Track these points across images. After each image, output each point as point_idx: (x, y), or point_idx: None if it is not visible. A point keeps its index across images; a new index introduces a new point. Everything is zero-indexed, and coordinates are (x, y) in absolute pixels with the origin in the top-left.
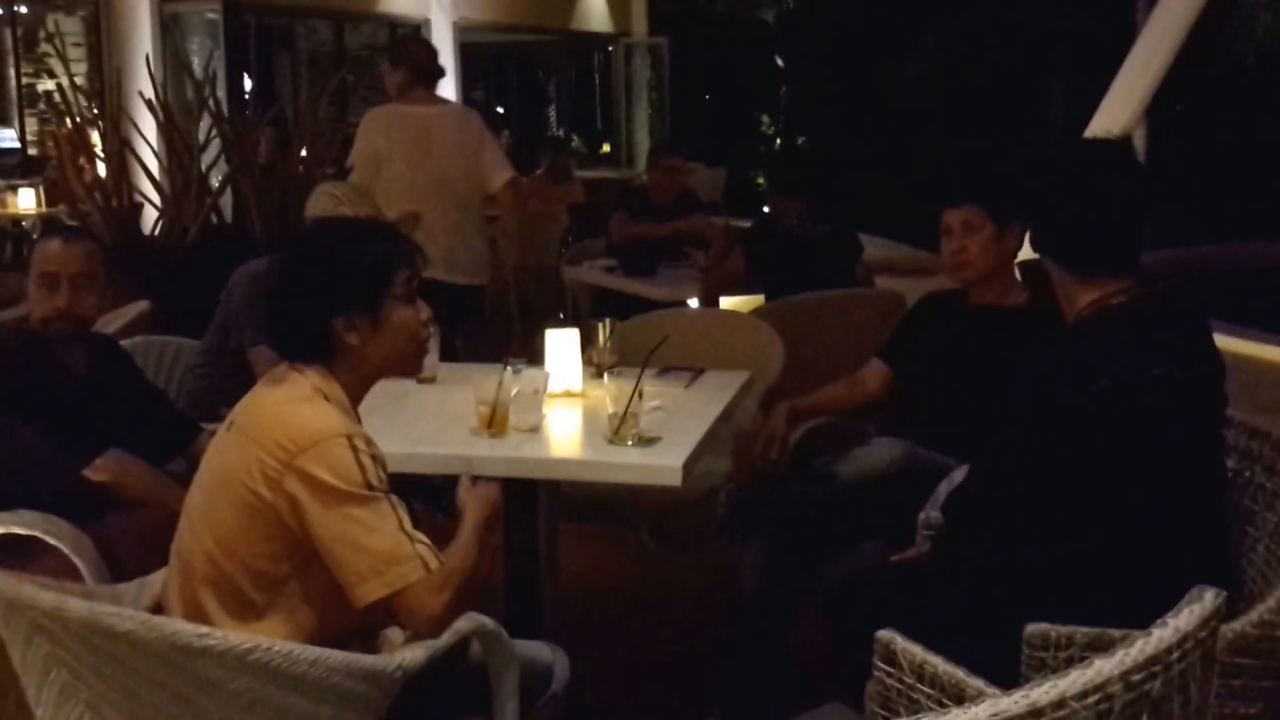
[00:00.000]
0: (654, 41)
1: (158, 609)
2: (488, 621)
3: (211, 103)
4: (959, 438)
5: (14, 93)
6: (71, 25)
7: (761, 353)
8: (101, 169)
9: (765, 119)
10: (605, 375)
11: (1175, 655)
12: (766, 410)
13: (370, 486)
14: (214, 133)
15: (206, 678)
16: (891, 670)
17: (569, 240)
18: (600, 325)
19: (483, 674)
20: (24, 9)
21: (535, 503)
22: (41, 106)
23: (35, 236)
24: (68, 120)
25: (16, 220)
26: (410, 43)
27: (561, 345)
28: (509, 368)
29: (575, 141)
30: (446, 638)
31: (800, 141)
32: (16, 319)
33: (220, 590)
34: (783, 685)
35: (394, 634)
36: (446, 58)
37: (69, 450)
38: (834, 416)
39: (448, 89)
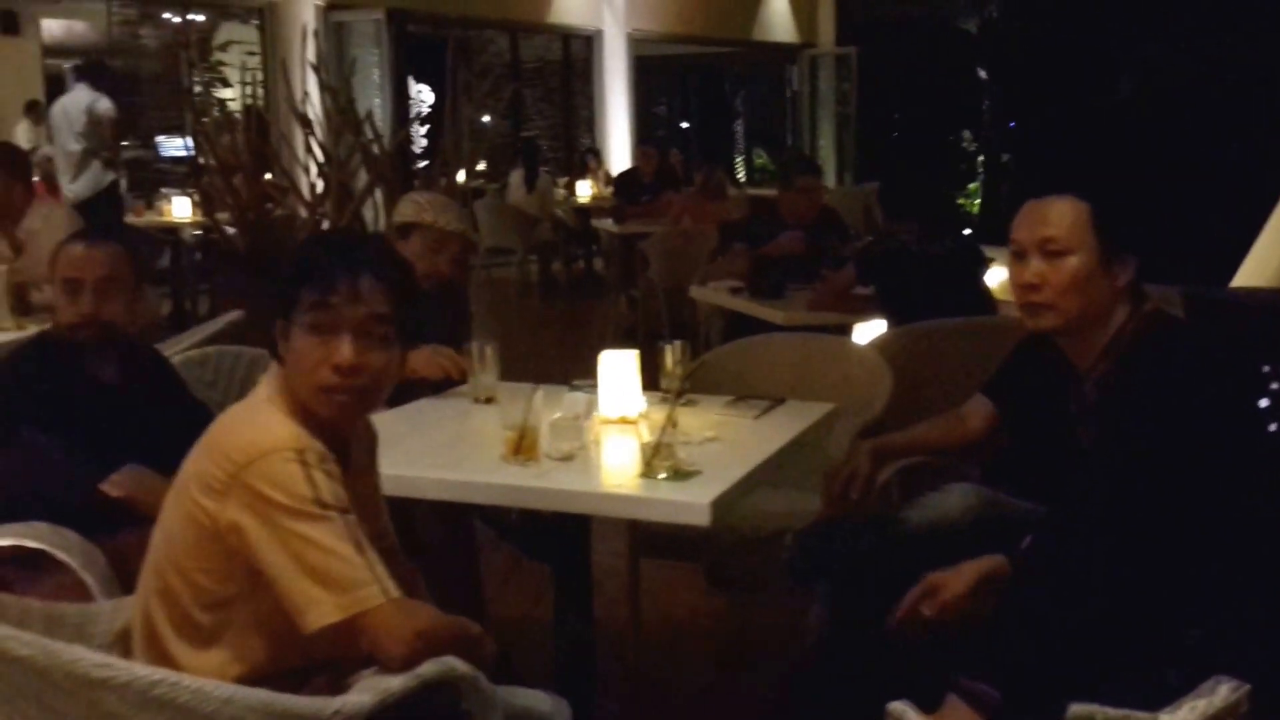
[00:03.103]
0: (841, 52)
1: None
2: (459, 664)
3: (357, 113)
4: (1055, 489)
5: (190, 101)
6: (245, 33)
7: (866, 383)
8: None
9: (967, 134)
10: (672, 402)
11: None
12: None
13: (322, 503)
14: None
15: (109, 711)
16: None
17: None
18: (669, 348)
19: None
20: (200, 18)
21: (586, 536)
22: (215, 114)
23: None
24: (228, 132)
25: (172, 228)
26: None
27: (618, 368)
28: (572, 390)
29: (762, 157)
30: (401, 681)
31: (1004, 159)
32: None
33: (169, 606)
34: None
35: (371, 675)
36: (619, 69)
37: (90, 462)
38: (930, 457)
39: (619, 100)
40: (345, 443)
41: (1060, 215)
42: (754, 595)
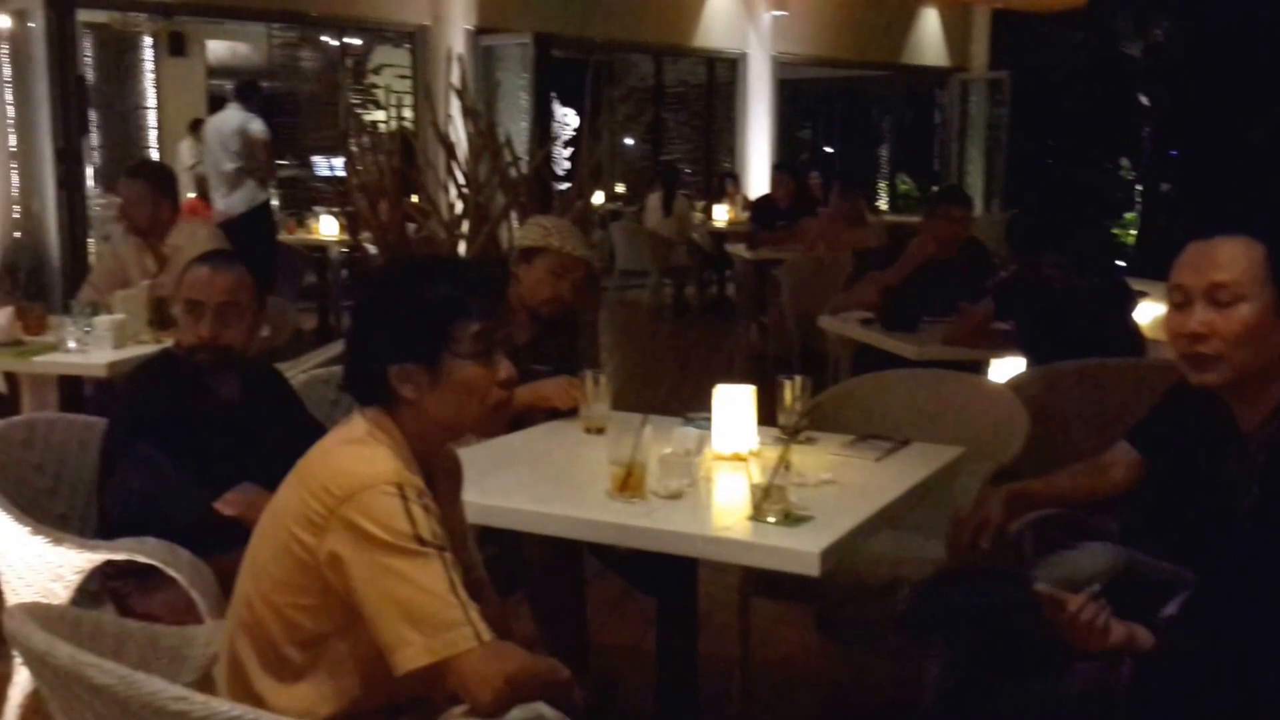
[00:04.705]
0: (994, 76)
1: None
2: (547, 711)
3: (497, 136)
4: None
5: (345, 123)
6: (398, 57)
7: (1000, 425)
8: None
9: (1125, 163)
10: (787, 442)
11: None
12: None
13: (420, 540)
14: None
15: None
16: None
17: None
18: (789, 383)
19: None
20: (357, 41)
21: (693, 572)
22: (365, 136)
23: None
24: (375, 155)
25: (320, 245)
26: None
27: (733, 402)
28: (686, 424)
29: (906, 184)
30: None
31: (1164, 189)
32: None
33: (257, 641)
34: None
35: (460, 716)
36: (763, 92)
37: (205, 479)
38: (1068, 507)
39: (761, 124)
40: (431, 476)
41: (1232, 258)
42: (866, 646)
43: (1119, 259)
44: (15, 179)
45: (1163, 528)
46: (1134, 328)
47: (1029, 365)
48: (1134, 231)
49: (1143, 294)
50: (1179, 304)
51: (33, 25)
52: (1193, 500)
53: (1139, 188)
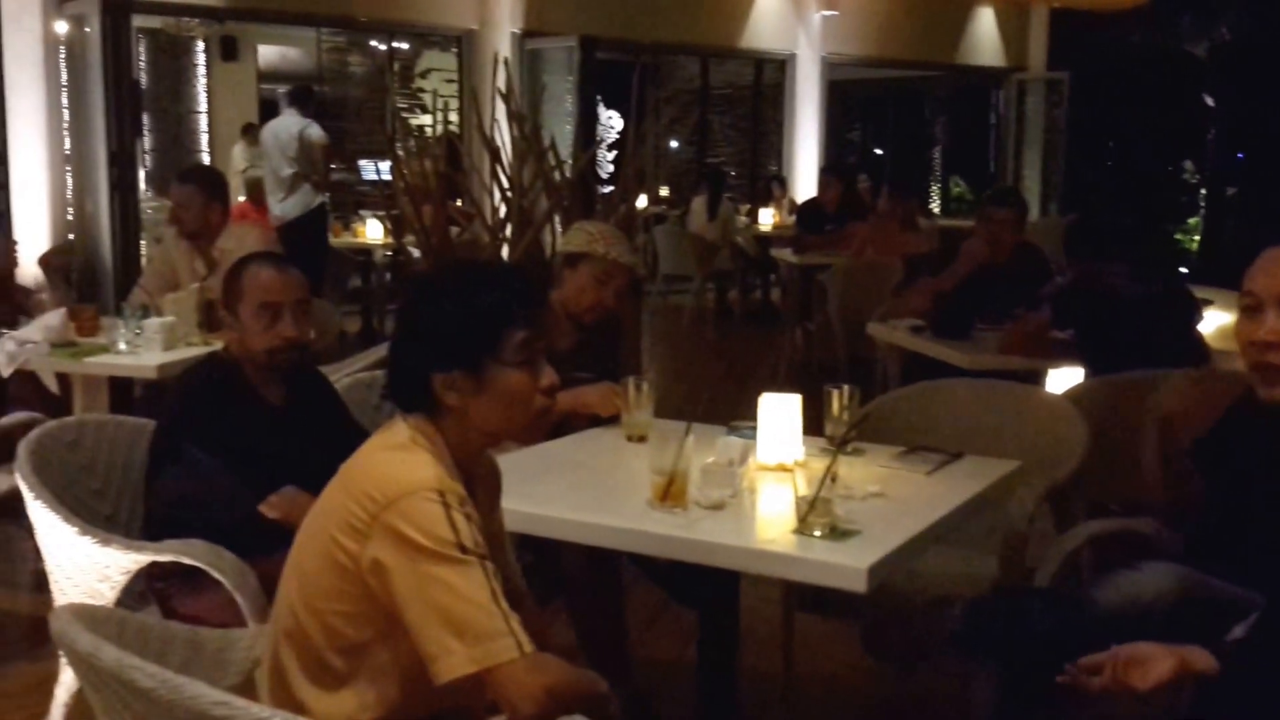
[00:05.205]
0: (1053, 76)
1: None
2: None
3: (541, 140)
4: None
5: (392, 127)
6: (445, 61)
7: (1058, 437)
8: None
9: (1188, 165)
10: (834, 454)
11: None
12: (1056, 508)
13: (462, 548)
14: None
15: None
16: None
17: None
18: (835, 393)
19: None
20: (404, 45)
21: (734, 586)
22: (412, 140)
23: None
24: (421, 159)
25: (365, 249)
26: None
27: (779, 412)
28: (730, 433)
29: (959, 186)
30: None
31: (1229, 193)
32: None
33: (299, 647)
34: None
35: None
36: (811, 94)
37: (251, 482)
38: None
39: (810, 127)
40: (470, 484)
41: None
42: (913, 666)
43: (1182, 265)
44: (70, 181)
45: (1228, 548)
46: (1198, 337)
47: (1087, 376)
48: (1197, 237)
49: (1207, 302)
50: (1250, 311)
51: (89, 30)
52: (1260, 520)
53: (1203, 191)
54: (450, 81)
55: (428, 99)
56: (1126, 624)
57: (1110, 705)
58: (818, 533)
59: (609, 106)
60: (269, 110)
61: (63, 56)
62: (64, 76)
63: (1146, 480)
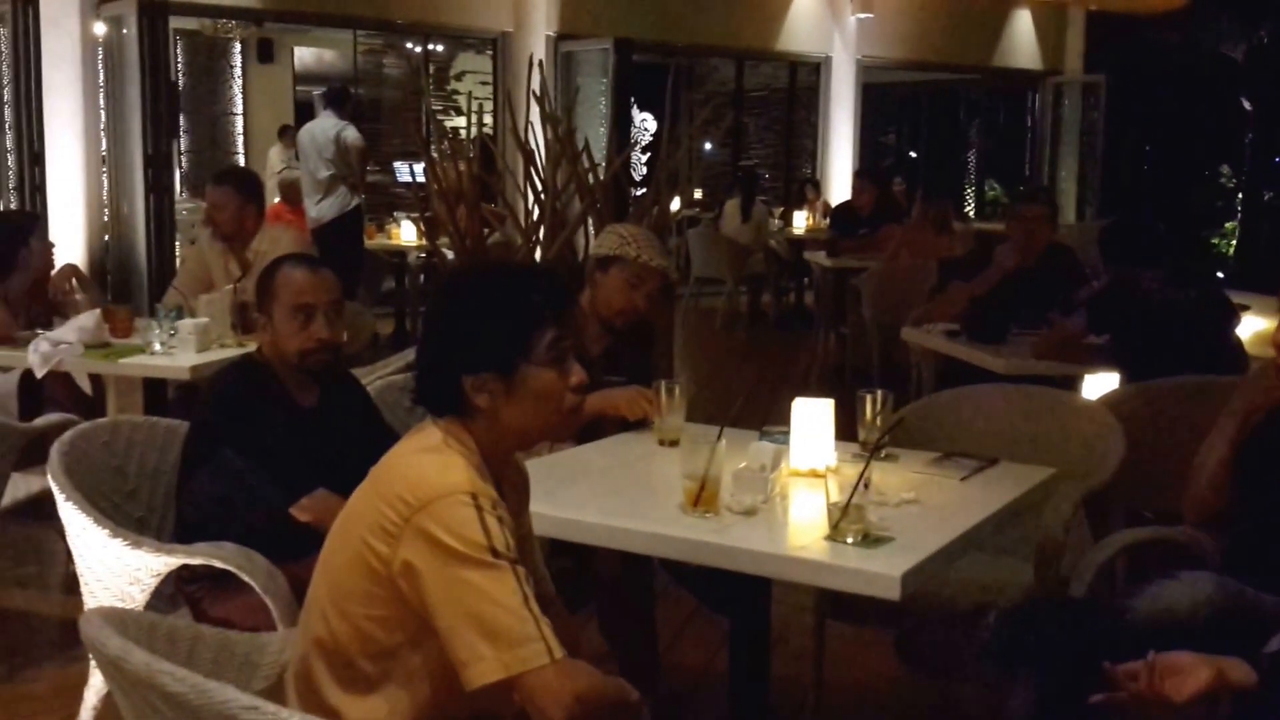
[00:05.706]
0: (1090, 79)
1: None
2: None
3: (575, 142)
4: None
5: (427, 129)
6: (480, 63)
7: (1094, 444)
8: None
9: (1225, 170)
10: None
11: None
12: (1092, 515)
13: (495, 552)
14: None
15: None
16: None
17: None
18: (869, 397)
19: None
20: (439, 47)
21: (766, 593)
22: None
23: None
24: (455, 161)
25: (399, 251)
26: None
27: (812, 417)
28: (762, 438)
29: (995, 190)
30: None
31: (1267, 198)
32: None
33: (329, 652)
34: None
35: None
36: (846, 96)
37: (283, 485)
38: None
39: (844, 129)
40: (500, 488)
41: None
42: (947, 675)
43: (1218, 270)
44: (106, 182)
45: (1268, 558)
46: (1236, 343)
47: (1124, 382)
48: (1234, 242)
49: (1244, 307)
50: None
51: (126, 32)
52: None
53: (1240, 196)
54: (485, 84)
55: (462, 101)
56: (1163, 634)
57: (1146, 717)
58: (850, 539)
59: (643, 109)
60: (304, 112)
61: (100, 58)
62: (101, 78)
63: (1201, 484)
